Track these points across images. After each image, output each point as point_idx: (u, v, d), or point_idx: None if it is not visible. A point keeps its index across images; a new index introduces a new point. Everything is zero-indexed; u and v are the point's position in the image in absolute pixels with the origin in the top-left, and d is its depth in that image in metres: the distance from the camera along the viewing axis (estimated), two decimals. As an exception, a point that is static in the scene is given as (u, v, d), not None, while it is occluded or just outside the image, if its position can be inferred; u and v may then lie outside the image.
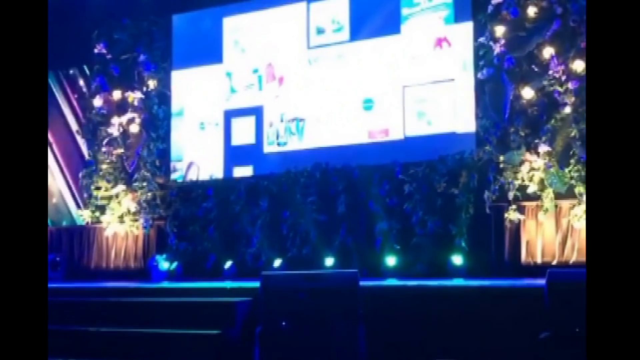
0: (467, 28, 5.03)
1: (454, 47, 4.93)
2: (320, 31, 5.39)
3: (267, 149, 5.62)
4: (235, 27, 5.63)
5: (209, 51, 7.43)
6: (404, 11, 4.98)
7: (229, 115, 5.82)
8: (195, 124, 5.91)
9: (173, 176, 7.00)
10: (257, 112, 5.65)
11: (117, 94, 10.06)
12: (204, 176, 5.90)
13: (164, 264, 8.68)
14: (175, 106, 5.94)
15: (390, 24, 4.98)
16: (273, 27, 5.53)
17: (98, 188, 9.96)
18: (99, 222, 9.94)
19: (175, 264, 8.82)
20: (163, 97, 9.84)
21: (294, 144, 5.49)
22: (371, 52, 5.29)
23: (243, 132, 5.75)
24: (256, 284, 5.21)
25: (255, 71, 5.68)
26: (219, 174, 6.06)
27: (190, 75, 6.05)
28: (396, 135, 5.23)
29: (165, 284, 7.93)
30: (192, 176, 6.08)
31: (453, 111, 5.07)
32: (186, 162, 6.07)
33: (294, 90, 5.58)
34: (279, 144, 5.61)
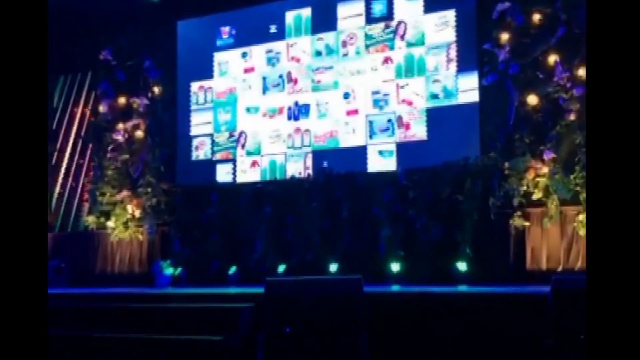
0: (399, 51, 7.91)
1: (394, 63, 7.89)
2: (318, 52, 8.31)
3: (287, 122, 8.54)
4: (269, 49, 8.62)
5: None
6: (366, 42, 7.98)
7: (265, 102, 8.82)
8: (244, 108, 8.68)
9: (231, 139, 8.98)
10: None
11: (122, 100, 10.08)
12: (249, 140, 8.73)
13: (168, 270, 8.62)
14: (231, 97, 8.84)
15: (360, 50, 8.06)
16: (291, 50, 8.46)
17: (103, 194, 9.95)
18: (103, 227, 9.93)
19: (179, 270, 8.78)
20: (167, 102, 9.86)
21: (303, 118, 8.39)
22: (349, 65, 8.16)
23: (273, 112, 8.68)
24: (260, 290, 5.17)
25: (280, 76, 8.47)
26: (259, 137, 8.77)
27: (240, 77, 8.89)
28: (361, 113, 8.05)
29: (169, 290, 7.90)
30: (242, 141, 8.72)
31: (394, 101, 7.91)
32: (239, 130, 8.70)
33: (303, 88, 8.38)
34: (295, 119, 8.39)
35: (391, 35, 7.76)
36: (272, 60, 8.43)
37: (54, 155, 10.74)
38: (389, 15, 7.78)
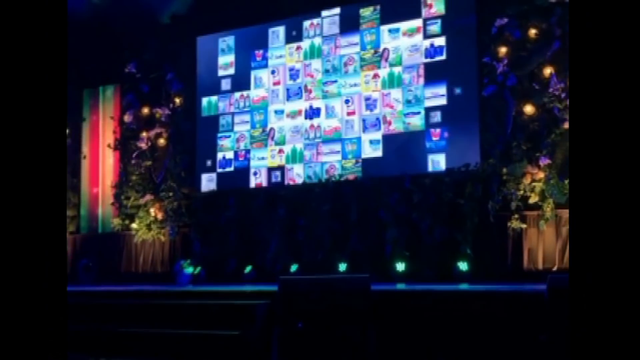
0: (384, 69, 9.05)
1: (381, 78, 9.00)
2: (327, 70, 9.43)
3: (304, 120, 9.54)
4: (290, 67, 9.74)
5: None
6: (361, 63, 9.21)
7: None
8: (273, 111, 9.71)
9: (263, 133, 9.72)
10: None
11: (145, 110, 10.16)
12: (276, 135, 9.66)
13: (189, 269, 8.67)
14: (263, 103, 9.84)
15: (356, 68, 9.25)
16: (307, 69, 9.63)
17: (128, 198, 10.03)
18: (128, 229, 10.00)
19: (198, 269, 8.83)
20: (188, 112, 9.94)
21: (315, 117, 9.38)
22: (349, 80, 9.26)
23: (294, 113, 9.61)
24: (274, 288, 5.21)
25: (299, 88, 9.52)
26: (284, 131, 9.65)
27: (270, 88, 9.90)
28: (357, 114, 9.19)
29: (190, 287, 7.93)
30: (272, 134, 9.63)
31: (380, 105, 8.98)
32: (269, 127, 9.65)
33: (316, 96, 9.44)
34: (310, 118, 9.34)
35: (378, 58, 9.08)
36: (293, 76, 9.75)
37: (85, 161, 10.82)
38: (377, 44, 9.17)
